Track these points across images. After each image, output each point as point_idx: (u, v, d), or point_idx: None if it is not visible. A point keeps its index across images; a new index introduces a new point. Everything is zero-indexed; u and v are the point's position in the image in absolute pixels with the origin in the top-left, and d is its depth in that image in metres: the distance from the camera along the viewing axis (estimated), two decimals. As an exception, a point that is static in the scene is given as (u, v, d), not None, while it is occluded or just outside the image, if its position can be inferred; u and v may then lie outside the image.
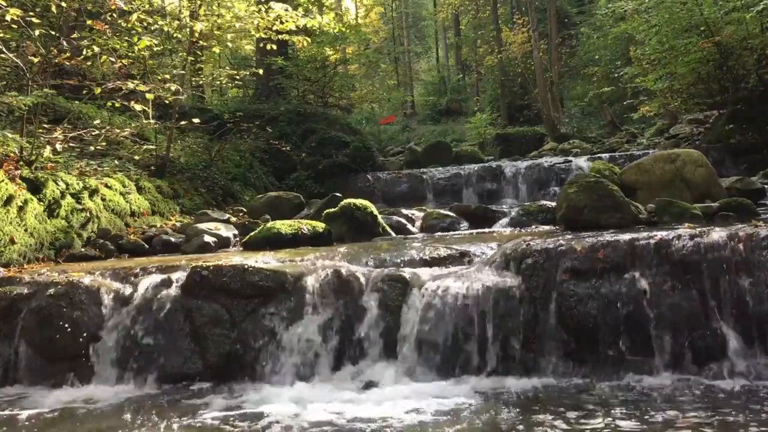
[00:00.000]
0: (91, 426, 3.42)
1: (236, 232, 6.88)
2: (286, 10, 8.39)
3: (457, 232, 6.71)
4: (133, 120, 8.72)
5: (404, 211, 7.59)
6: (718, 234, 3.93)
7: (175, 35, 8.68)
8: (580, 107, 22.56)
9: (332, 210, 6.55)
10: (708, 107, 12.37)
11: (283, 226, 6.19)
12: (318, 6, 12.81)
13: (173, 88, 7.51)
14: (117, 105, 7.51)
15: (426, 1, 39.52)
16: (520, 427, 3.05)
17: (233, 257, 4.99)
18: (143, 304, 4.34)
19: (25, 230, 5.45)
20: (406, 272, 4.32)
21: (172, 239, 6.44)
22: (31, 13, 6.42)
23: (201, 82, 16.02)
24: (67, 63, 6.98)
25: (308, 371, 4.00)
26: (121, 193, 6.92)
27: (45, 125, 7.19)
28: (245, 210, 8.44)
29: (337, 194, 7.83)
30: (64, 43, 6.85)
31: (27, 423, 3.50)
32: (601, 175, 6.14)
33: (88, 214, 6.23)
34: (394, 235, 6.56)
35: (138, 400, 3.89)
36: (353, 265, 4.51)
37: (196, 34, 8.32)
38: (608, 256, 4.00)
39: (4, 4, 6.16)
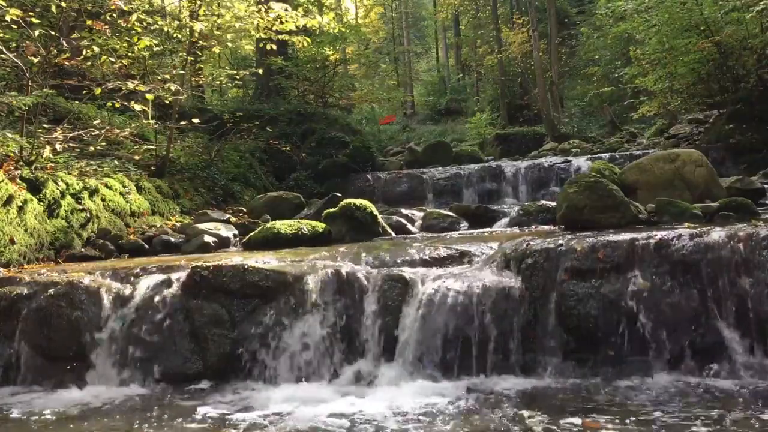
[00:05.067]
0: (91, 426, 3.42)
1: (236, 232, 6.88)
2: (286, 10, 8.39)
3: (457, 232, 6.71)
4: (133, 120, 8.72)
5: (404, 211, 7.58)
6: (718, 234, 3.93)
7: (175, 35, 8.67)
8: (580, 107, 22.58)
9: (332, 210, 6.54)
10: (708, 107, 12.37)
11: (283, 226, 6.19)
12: (318, 6, 12.80)
13: (173, 88, 7.50)
14: (117, 105, 7.50)
15: (426, 1, 39.54)
16: (519, 427, 3.05)
17: (233, 257, 4.99)
18: (143, 304, 4.34)
19: (25, 230, 5.45)
20: (406, 272, 4.31)
21: (172, 239, 6.44)
22: (31, 13, 6.41)
23: (201, 82, 16.01)
24: (67, 63, 6.98)
25: (308, 371, 4.00)
26: (121, 193, 6.92)
27: (45, 125, 7.19)
28: (245, 210, 8.44)
29: (337, 194, 7.83)
30: (64, 43, 6.85)
31: (26, 423, 3.50)
32: (601, 174, 6.13)
33: (88, 214, 6.23)
34: (394, 234, 6.56)
35: (138, 400, 3.89)
36: (353, 265, 4.50)
37: (196, 34, 8.31)
38: (608, 256, 4.00)
39: (4, 4, 6.16)
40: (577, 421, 3.06)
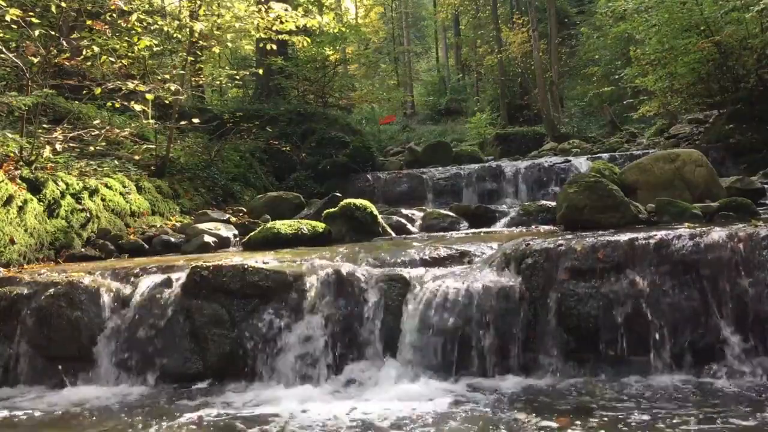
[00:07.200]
0: (91, 426, 3.42)
1: (236, 232, 6.88)
2: (286, 10, 8.39)
3: (457, 232, 6.71)
4: (133, 120, 8.72)
5: (404, 211, 7.59)
6: (718, 234, 3.93)
7: (175, 35, 8.67)
8: (580, 107, 22.59)
9: (332, 210, 6.55)
10: (708, 107, 12.37)
11: (283, 226, 6.19)
12: (318, 6, 12.80)
13: (173, 88, 7.51)
14: (117, 105, 7.51)
15: (426, 1, 39.55)
16: (519, 427, 3.05)
17: (233, 257, 4.99)
18: (143, 304, 4.34)
19: (25, 230, 5.45)
20: (406, 272, 4.32)
21: (172, 239, 6.44)
22: (31, 13, 6.41)
23: (201, 82, 16.01)
24: (67, 63, 6.99)
25: (308, 372, 4.00)
26: (121, 193, 6.92)
27: (45, 125, 7.19)
28: (245, 210, 8.44)
29: (337, 194, 7.83)
30: (64, 43, 6.85)
31: (27, 423, 3.50)
32: (601, 174, 6.13)
33: (88, 214, 6.23)
34: (394, 235, 6.56)
35: (138, 400, 3.89)
36: (353, 265, 4.50)
37: (196, 34, 8.32)
38: (608, 255, 4.00)
39: (4, 4, 6.16)
40: (576, 421, 3.06)
